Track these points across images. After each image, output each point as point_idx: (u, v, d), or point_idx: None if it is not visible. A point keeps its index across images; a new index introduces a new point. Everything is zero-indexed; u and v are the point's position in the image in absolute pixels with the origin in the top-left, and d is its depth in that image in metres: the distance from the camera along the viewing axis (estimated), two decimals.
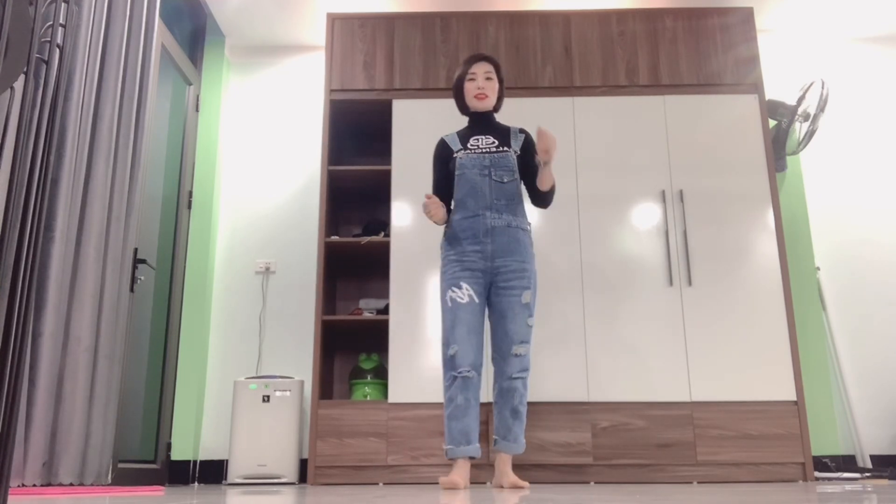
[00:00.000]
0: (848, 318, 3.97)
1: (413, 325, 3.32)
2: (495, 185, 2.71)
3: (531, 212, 3.45)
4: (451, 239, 2.72)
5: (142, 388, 3.35)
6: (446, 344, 2.59)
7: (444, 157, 2.85)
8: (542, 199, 2.80)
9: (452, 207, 2.78)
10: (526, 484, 2.54)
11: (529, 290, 2.65)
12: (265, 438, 3.42)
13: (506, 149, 2.77)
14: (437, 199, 2.62)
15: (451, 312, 2.62)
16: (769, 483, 3.01)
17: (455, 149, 2.81)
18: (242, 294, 3.99)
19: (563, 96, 3.62)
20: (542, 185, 2.71)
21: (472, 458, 2.54)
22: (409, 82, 3.66)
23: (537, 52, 3.70)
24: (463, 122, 3.51)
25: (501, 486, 2.56)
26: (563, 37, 3.71)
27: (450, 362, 2.58)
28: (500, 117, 3.54)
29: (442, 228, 3.33)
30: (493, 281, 2.67)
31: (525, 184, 2.84)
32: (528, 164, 2.81)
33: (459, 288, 2.64)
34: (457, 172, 2.76)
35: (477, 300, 2.63)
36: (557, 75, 3.66)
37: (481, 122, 2.86)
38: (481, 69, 2.83)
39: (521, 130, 2.85)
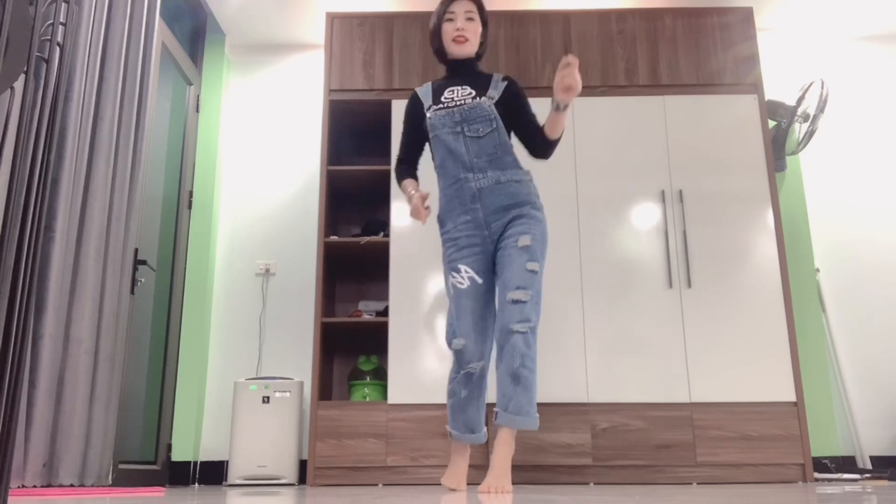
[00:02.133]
0: (848, 319, 3.97)
1: (412, 326, 3.32)
2: (471, 141, 2.39)
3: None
4: (441, 214, 2.47)
5: (142, 390, 3.34)
6: (453, 336, 2.34)
7: (415, 115, 2.55)
8: (545, 148, 2.45)
9: (437, 174, 2.50)
10: (510, 489, 2.17)
11: (527, 235, 2.32)
12: (265, 439, 3.41)
13: (479, 98, 2.44)
14: (417, 202, 2.33)
15: (454, 301, 2.37)
16: (769, 484, 3.01)
17: (426, 104, 2.50)
18: (242, 296, 3.99)
19: None
20: (552, 131, 2.36)
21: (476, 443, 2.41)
22: (408, 82, 3.66)
23: (537, 51, 3.69)
24: None
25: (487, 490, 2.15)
26: (563, 36, 3.71)
27: (457, 356, 2.35)
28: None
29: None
30: (495, 244, 2.39)
31: (519, 134, 2.50)
32: (515, 112, 2.47)
33: (458, 272, 2.38)
34: (430, 135, 2.46)
35: (479, 280, 2.36)
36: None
37: (460, 71, 2.52)
38: (461, 8, 2.49)
39: (505, 77, 2.51)
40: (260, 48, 4.35)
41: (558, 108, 2.30)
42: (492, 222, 2.38)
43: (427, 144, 2.60)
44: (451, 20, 2.50)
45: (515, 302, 2.23)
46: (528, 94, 3.62)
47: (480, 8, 2.54)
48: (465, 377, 2.36)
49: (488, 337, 2.35)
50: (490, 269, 2.41)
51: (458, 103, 2.44)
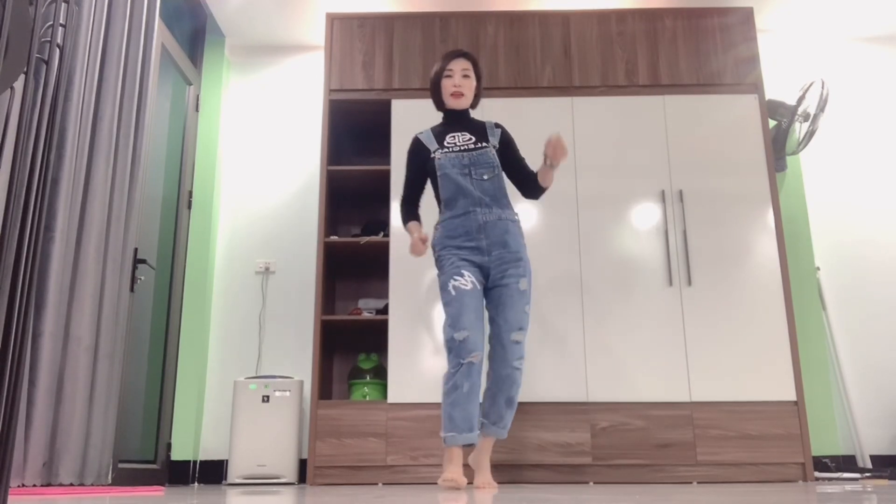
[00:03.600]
0: (848, 319, 3.97)
1: (412, 325, 3.32)
2: (477, 183, 2.70)
3: (526, 202, 3.45)
4: (445, 237, 2.71)
5: (142, 388, 3.35)
6: (455, 330, 2.53)
7: (420, 157, 2.82)
8: (536, 192, 2.81)
9: (441, 207, 2.76)
10: (495, 485, 2.57)
11: (525, 278, 2.65)
12: (265, 438, 3.42)
13: (484, 145, 2.75)
14: (417, 241, 2.64)
15: (456, 300, 2.58)
16: (769, 483, 3.01)
17: (432, 148, 2.78)
18: (242, 294, 3.99)
19: (563, 96, 3.62)
20: (544, 182, 2.72)
21: (470, 445, 2.53)
22: (408, 82, 3.66)
23: (537, 52, 3.70)
24: None
25: (479, 485, 2.57)
26: (563, 37, 3.71)
27: (458, 348, 2.52)
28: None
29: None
30: (490, 274, 2.67)
31: (512, 177, 2.84)
32: (510, 157, 2.81)
33: (462, 276, 2.61)
34: (438, 173, 2.73)
35: (478, 286, 2.63)
36: (557, 75, 3.66)
37: (456, 120, 2.83)
38: (458, 66, 2.79)
39: (497, 125, 2.84)
40: (260, 49, 4.36)
41: (551, 167, 2.65)
42: (492, 251, 2.67)
43: (426, 183, 2.87)
44: (449, 77, 2.79)
45: (516, 343, 2.61)
46: (528, 95, 3.63)
47: (475, 65, 2.83)
48: (468, 368, 2.51)
49: (484, 332, 2.60)
50: (483, 285, 2.69)
51: (463, 148, 2.74)
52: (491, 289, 2.68)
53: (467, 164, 2.71)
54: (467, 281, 2.60)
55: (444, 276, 2.65)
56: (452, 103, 2.79)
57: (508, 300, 2.62)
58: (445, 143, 2.76)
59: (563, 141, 2.56)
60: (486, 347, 2.65)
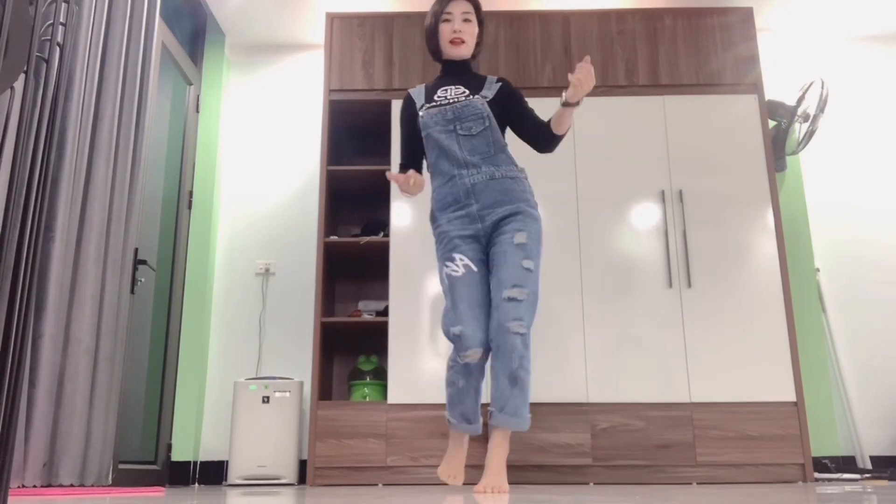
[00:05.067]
0: (848, 319, 3.97)
1: (412, 326, 3.32)
2: (463, 139, 2.39)
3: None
4: (435, 210, 2.46)
5: (142, 390, 3.34)
6: (451, 323, 2.29)
7: (409, 115, 2.53)
8: (549, 142, 2.44)
9: (430, 174, 2.49)
10: (506, 488, 2.20)
11: (523, 232, 2.31)
12: (265, 439, 3.41)
13: (472, 95, 2.44)
14: (401, 175, 2.32)
15: (449, 291, 2.33)
16: (769, 484, 3.01)
17: (419, 103, 2.49)
18: (242, 295, 3.99)
19: None
20: (558, 127, 2.35)
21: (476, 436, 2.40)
22: (408, 82, 3.65)
23: (537, 51, 3.69)
24: None
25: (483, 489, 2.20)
26: (563, 36, 3.71)
27: (455, 343, 2.28)
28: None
29: None
30: (489, 238, 2.38)
31: (521, 132, 2.49)
32: (512, 109, 2.48)
33: (452, 261, 2.34)
34: (423, 133, 2.45)
35: (474, 268, 2.33)
36: (557, 75, 3.66)
37: (454, 71, 2.52)
38: (458, 9, 2.48)
39: (500, 79, 2.52)
40: (260, 48, 4.35)
41: (567, 104, 2.28)
42: (486, 216, 2.36)
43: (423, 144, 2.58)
44: (447, 21, 2.49)
45: (511, 300, 2.21)
46: (528, 95, 3.62)
47: (477, 8, 2.54)
48: (464, 367, 2.34)
49: (485, 324, 2.29)
50: (483, 260, 2.38)
51: (451, 101, 2.44)
52: (489, 251, 2.37)
53: (452, 119, 2.40)
54: (458, 265, 2.33)
55: (439, 262, 2.42)
56: (451, 51, 2.49)
57: (501, 256, 2.29)
58: (435, 98, 2.47)
59: (591, 69, 2.18)
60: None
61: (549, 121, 2.42)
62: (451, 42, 2.48)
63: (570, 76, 2.20)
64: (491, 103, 2.45)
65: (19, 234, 1.19)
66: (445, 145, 2.39)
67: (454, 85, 2.49)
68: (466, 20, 2.49)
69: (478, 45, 2.56)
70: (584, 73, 2.18)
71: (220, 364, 3.88)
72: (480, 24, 2.55)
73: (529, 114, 2.47)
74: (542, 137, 2.44)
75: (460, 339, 2.26)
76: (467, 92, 2.46)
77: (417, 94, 2.55)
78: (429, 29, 2.54)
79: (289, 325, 3.94)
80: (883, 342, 3.94)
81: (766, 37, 4.32)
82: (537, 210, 2.42)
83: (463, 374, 2.35)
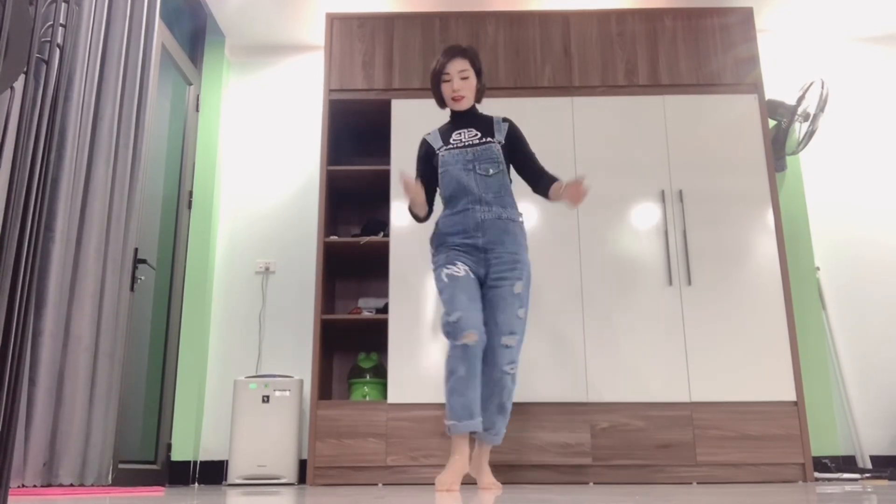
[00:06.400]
0: (848, 319, 3.97)
1: (412, 324, 3.32)
2: (480, 178, 2.65)
3: (526, 201, 3.45)
4: (442, 233, 2.68)
5: (142, 388, 3.35)
6: (449, 314, 2.49)
7: (427, 156, 2.79)
8: (545, 194, 2.74)
9: (443, 206, 2.73)
10: (499, 485, 2.60)
11: (521, 281, 2.59)
12: (265, 439, 3.42)
13: (489, 140, 2.71)
14: (413, 183, 2.55)
15: (449, 287, 2.54)
16: (769, 484, 3.01)
17: (437, 146, 2.75)
18: (242, 294, 3.99)
19: (563, 96, 3.62)
20: (554, 198, 2.68)
21: (474, 432, 2.50)
22: (408, 82, 3.66)
23: (537, 52, 3.70)
24: None
25: (483, 486, 2.61)
26: (563, 37, 3.71)
27: (453, 330, 2.47)
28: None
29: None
30: (486, 273, 2.62)
31: (521, 172, 2.78)
32: (517, 152, 2.76)
33: (454, 264, 2.58)
34: (440, 170, 2.70)
35: (472, 276, 2.58)
36: (557, 75, 3.66)
37: (462, 118, 2.78)
38: (455, 68, 2.70)
39: (504, 119, 2.78)
40: (260, 49, 4.36)
41: (564, 200, 2.61)
42: (489, 250, 2.62)
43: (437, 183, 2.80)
44: (447, 81, 2.72)
45: (507, 347, 2.54)
46: (528, 95, 3.62)
47: (473, 62, 2.74)
48: (462, 351, 2.45)
49: (481, 314, 2.55)
50: (477, 278, 2.63)
51: (468, 144, 2.71)
52: (485, 290, 2.62)
53: (471, 160, 2.67)
54: (460, 269, 2.57)
55: (437, 271, 2.64)
56: (455, 107, 2.75)
57: (501, 303, 2.57)
58: (451, 140, 2.74)
59: (584, 188, 2.51)
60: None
61: (548, 180, 2.70)
62: (454, 99, 2.73)
63: (563, 190, 2.56)
64: (502, 147, 2.73)
65: (19, 233, 1.19)
66: (464, 182, 2.66)
67: (466, 128, 2.76)
68: (464, 77, 2.72)
69: (479, 91, 2.79)
70: (577, 195, 2.51)
71: (220, 363, 3.89)
72: (479, 73, 2.76)
73: (531, 158, 2.77)
74: (538, 189, 2.74)
75: (459, 323, 2.47)
76: (479, 134, 2.73)
77: (433, 138, 2.80)
78: (432, 82, 2.78)
79: (288, 322, 3.94)
80: (883, 342, 3.94)
81: (766, 37, 4.32)
82: (528, 254, 2.77)
83: (462, 360, 2.45)
